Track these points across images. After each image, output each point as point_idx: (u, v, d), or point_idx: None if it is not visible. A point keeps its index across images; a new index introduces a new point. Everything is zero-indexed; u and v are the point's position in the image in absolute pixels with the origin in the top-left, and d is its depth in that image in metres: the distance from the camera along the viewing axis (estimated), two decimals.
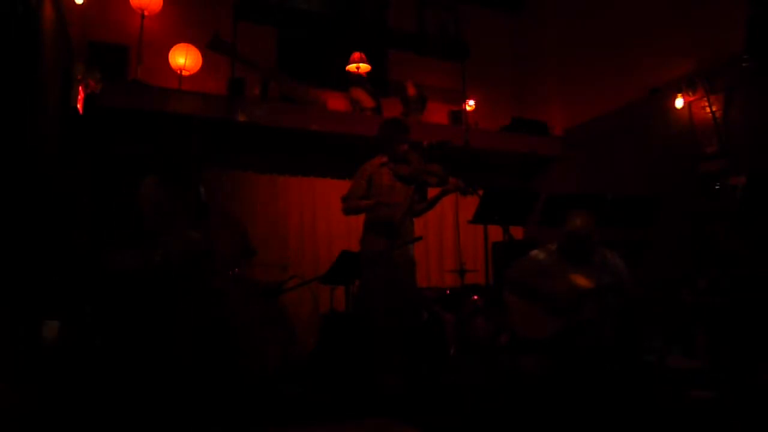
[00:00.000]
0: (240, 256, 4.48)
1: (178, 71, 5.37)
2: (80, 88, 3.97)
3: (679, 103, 5.01)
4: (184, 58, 5.36)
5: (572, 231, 3.48)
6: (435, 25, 7.00)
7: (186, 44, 5.41)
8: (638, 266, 3.69)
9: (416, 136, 4.26)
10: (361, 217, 3.92)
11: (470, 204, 4.07)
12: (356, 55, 6.04)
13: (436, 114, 6.61)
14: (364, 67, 6.05)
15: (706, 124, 4.78)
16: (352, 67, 6.04)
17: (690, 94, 4.92)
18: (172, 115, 4.94)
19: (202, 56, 5.48)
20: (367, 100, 6.02)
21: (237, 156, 5.65)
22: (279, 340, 4.44)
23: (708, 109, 4.75)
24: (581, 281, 3.42)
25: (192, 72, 5.44)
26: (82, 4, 4.25)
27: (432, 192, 3.93)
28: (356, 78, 6.06)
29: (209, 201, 3.61)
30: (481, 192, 3.77)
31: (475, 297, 5.16)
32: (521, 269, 3.63)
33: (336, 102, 6.12)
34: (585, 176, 6.11)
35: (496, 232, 3.99)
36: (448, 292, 5.52)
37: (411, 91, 6.30)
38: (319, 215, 5.93)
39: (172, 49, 5.37)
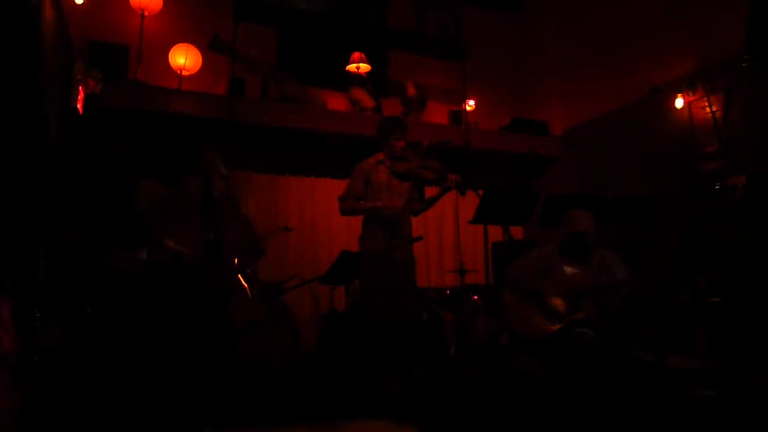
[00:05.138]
0: (250, 256, 4.50)
1: (178, 71, 5.37)
2: (80, 88, 3.96)
3: (679, 103, 5.01)
4: (184, 58, 5.36)
5: (571, 229, 3.48)
6: (435, 25, 6.99)
7: (186, 44, 5.41)
8: (638, 266, 3.69)
9: (416, 136, 4.26)
10: (361, 217, 3.92)
11: (470, 204, 4.06)
12: (356, 55, 6.04)
13: (436, 114, 6.61)
14: (364, 67, 6.05)
15: (706, 124, 4.77)
16: (352, 67, 6.04)
17: (690, 94, 4.92)
18: (172, 115, 4.93)
19: (202, 56, 5.48)
20: (367, 100, 6.02)
21: (237, 156, 5.64)
22: (280, 339, 4.45)
23: (708, 109, 4.74)
24: (576, 276, 3.43)
25: (192, 72, 5.45)
26: (82, 4, 4.25)
27: (430, 191, 3.93)
28: (356, 78, 6.06)
29: (224, 200, 3.59)
30: (481, 192, 3.76)
31: (475, 297, 5.17)
32: (521, 269, 3.64)
33: (336, 102, 6.12)
34: (585, 176, 6.11)
35: (496, 232, 3.99)
36: (448, 292, 5.52)
37: (411, 91, 6.30)
38: (319, 215, 5.93)
39: (172, 49, 5.37)
